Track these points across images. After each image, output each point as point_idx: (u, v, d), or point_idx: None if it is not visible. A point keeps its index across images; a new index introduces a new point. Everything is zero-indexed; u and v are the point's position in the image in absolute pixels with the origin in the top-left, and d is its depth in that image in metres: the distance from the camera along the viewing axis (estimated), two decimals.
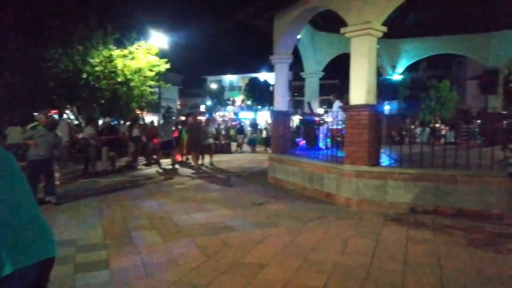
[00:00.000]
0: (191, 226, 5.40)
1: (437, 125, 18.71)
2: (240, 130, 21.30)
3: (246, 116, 43.04)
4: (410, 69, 14.82)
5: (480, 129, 12.26)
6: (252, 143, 20.34)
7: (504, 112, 12.23)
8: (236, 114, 48.69)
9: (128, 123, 13.80)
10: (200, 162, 11.90)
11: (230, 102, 54.87)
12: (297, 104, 42.43)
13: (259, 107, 46.38)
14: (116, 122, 16.89)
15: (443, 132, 15.82)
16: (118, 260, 4.12)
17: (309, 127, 10.35)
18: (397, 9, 6.75)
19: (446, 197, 5.91)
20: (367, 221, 5.63)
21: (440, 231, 5.08)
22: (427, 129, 16.02)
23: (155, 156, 13.11)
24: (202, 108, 52.17)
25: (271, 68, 10.29)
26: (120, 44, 15.35)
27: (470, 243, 4.58)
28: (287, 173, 8.47)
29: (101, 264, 4.02)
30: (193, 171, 11.15)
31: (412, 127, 15.74)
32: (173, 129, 13.61)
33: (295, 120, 20.19)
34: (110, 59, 14.82)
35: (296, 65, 12.11)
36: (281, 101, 9.34)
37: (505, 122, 11.31)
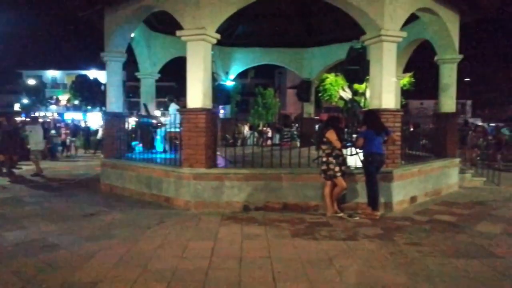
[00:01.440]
0: (3, 249, 4.52)
1: (264, 128, 20.68)
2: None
3: (73, 117, 38.82)
4: (240, 76, 15.93)
5: (299, 132, 14.12)
6: (55, 149, 17.33)
7: (316, 118, 14.39)
8: (61, 114, 43.37)
9: None
10: (16, 170, 10.18)
11: (53, 101, 48.53)
12: (132, 105, 40.65)
13: (89, 107, 42.50)
14: None
15: (269, 135, 17.57)
16: None
17: (146, 130, 10.00)
18: (229, 19, 7.13)
19: (273, 193, 6.56)
20: (205, 222, 5.77)
21: (270, 225, 5.59)
22: (255, 132, 17.54)
23: None
24: (17, 107, 44.69)
25: (102, 66, 9.51)
26: None
27: (294, 234, 5.19)
28: (122, 179, 7.97)
29: None
30: (8, 181, 9.43)
31: (246, 130, 16.96)
32: None
33: (131, 122, 19.20)
34: None
35: (131, 64, 11.55)
36: (115, 101, 8.74)
37: (317, 125, 13.33)
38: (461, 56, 8.50)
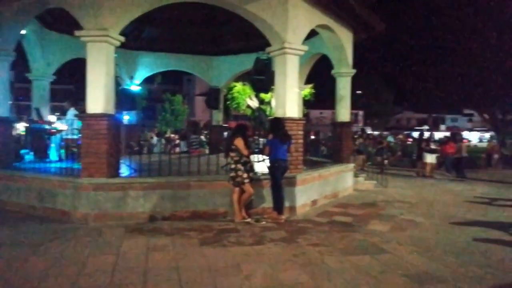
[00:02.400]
0: None
1: (172, 135, 20.27)
2: None
3: None
4: (147, 81, 15.36)
5: (208, 139, 14.13)
6: None
7: (225, 125, 14.55)
8: None
9: None
10: None
11: None
12: (22, 109, 36.57)
13: None
14: None
15: (177, 142, 17.26)
16: None
17: (38, 137, 9.06)
18: (134, 22, 6.87)
19: (181, 202, 6.42)
20: (107, 236, 5.41)
21: (177, 235, 5.46)
22: (163, 140, 17.09)
23: None
24: None
25: None
26: None
27: (202, 242, 5.14)
28: (9, 192, 7.07)
29: None
30: None
31: (154, 137, 16.39)
32: None
33: (20, 128, 17.22)
34: None
35: (21, 64, 10.39)
36: (0, 105, 7.77)
37: (225, 133, 13.49)
38: (354, 70, 9.38)
